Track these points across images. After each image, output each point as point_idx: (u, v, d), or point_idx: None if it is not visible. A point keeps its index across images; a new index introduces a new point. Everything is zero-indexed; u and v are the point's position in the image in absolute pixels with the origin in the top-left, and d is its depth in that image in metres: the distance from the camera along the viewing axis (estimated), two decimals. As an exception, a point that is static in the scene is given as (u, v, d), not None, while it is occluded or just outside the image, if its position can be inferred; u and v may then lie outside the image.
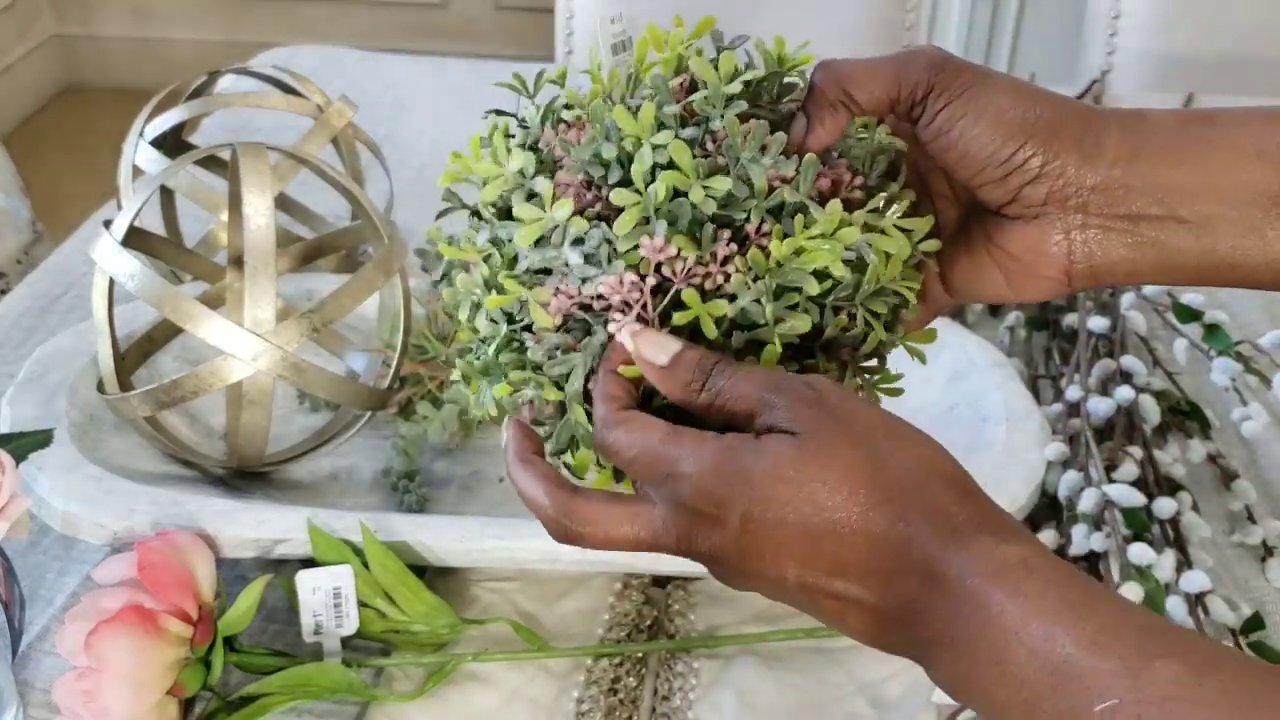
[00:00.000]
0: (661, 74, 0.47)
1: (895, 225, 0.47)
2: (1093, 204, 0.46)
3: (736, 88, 0.45)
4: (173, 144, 0.96)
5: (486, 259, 0.48)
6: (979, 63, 0.48)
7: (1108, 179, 0.45)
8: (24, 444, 0.74)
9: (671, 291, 0.44)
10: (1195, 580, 0.71)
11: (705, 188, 0.44)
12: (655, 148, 0.44)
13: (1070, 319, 0.92)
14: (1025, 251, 0.47)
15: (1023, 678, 0.36)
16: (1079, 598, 0.37)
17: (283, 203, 1.00)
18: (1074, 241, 0.46)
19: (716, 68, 0.46)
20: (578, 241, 0.44)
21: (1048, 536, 0.76)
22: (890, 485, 0.40)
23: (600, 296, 0.45)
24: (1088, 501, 0.74)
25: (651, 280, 0.44)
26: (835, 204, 0.44)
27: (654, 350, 0.44)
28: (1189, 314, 0.86)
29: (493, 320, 0.48)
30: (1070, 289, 0.48)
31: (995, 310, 1.00)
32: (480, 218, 0.49)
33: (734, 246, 0.44)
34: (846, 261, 0.45)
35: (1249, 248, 0.45)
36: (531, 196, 0.46)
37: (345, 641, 0.70)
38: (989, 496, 0.41)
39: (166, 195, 0.98)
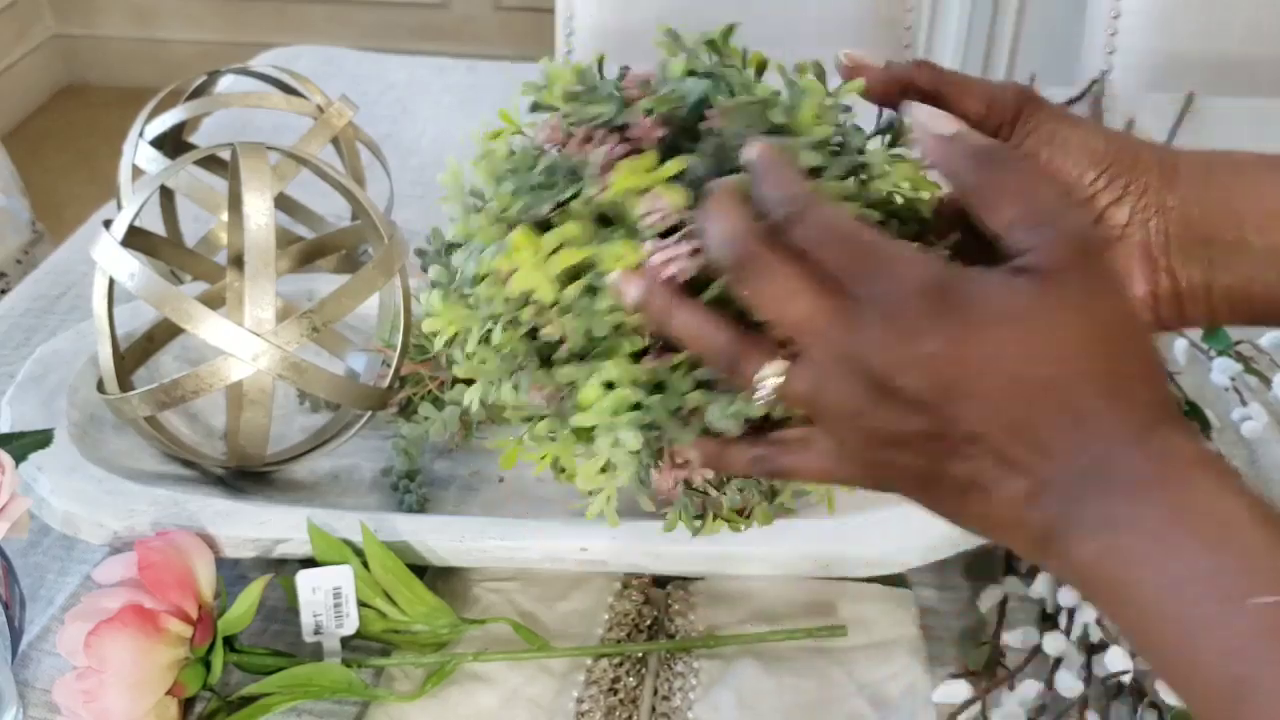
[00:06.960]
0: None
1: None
2: (1173, 226, 0.47)
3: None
4: (173, 144, 0.96)
5: None
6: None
7: (1185, 198, 0.47)
8: (24, 444, 0.74)
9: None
10: (1195, 580, 0.70)
11: None
12: None
13: (1070, 319, 0.92)
14: None
15: (1182, 548, 0.37)
16: (1244, 488, 0.38)
17: (283, 203, 1.00)
18: (1158, 267, 0.47)
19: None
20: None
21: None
22: (1109, 356, 0.40)
23: None
24: (1088, 501, 0.74)
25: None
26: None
27: (941, 121, 0.45)
28: (1189, 314, 0.86)
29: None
30: (1157, 321, 0.48)
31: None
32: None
33: None
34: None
35: None
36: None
37: (345, 641, 0.70)
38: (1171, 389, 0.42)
39: (166, 195, 0.98)
